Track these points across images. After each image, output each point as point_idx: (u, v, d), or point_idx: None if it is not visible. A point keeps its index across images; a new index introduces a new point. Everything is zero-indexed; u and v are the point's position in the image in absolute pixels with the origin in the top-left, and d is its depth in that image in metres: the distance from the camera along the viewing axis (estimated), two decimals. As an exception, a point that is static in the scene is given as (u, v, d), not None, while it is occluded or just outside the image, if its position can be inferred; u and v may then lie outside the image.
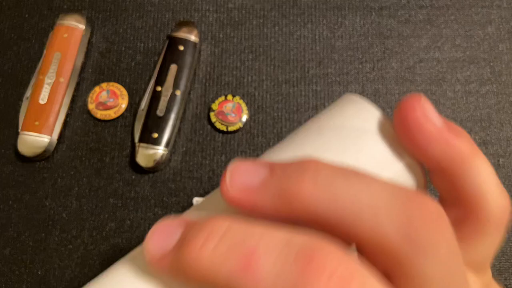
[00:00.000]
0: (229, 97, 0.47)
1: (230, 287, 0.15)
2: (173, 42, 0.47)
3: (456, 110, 0.47)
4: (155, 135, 0.45)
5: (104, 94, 0.48)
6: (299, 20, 0.50)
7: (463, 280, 0.17)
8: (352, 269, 0.15)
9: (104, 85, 0.48)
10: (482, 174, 0.19)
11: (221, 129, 0.46)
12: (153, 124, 0.45)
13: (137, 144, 0.45)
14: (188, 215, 0.20)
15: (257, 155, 0.46)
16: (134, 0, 0.51)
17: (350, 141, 0.19)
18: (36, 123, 0.45)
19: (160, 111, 0.45)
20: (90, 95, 0.48)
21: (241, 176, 0.17)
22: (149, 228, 0.44)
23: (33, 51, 0.50)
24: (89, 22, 0.50)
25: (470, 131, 0.46)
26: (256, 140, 0.47)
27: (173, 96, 0.46)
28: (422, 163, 0.21)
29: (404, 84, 0.48)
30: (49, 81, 0.46)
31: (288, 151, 0.20)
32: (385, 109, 0.47)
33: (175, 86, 0.46)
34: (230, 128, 0.46)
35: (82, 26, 0.48)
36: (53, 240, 0.45)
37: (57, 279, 0.44)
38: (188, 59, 0.47)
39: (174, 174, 0.46)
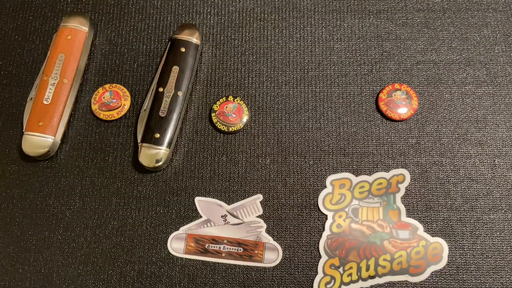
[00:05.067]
0: (230, 98, 0.48)
1: None
2: (175, 44, 0.48)
3: (452, 111, 0.48)
4: (157, 135, 0.46)
5: (107, 95, 0.48)
6: (298, 23, 0.51)
7: None
8: None
9: (107, 86, 0.49)
10: None
11: (222, 129, 0.47)
12: (155, 124, 0.46)
13: (139, 144, 0.46)
14: None
15: (257, 156, 0.47)
16: (137, 3, 0.52)
17: None
18: (40, 123, 0.46)
19: (162, 112, 0.46)
20: (93, 96, 0.48)
21: None
22: (151, 227, 0.45)
23: (37, 52, 0.50)
24: (92, 24, 0.51)
25: (466, 132, 0.47)
26: (256, 140, 0.48)
27: (175, 97, 0.47)
28: None
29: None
30: (53, 82, 0.47)
31: None
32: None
33: (177, 87, 0.47)
34: (231, 129, 0.47)
35: (85, 28, 0.49)
36: (56, 238, 0.45)
37: (60, 277, 0.45)
38: (189, 61, 0.48)
39: (175, 173, 0.47)
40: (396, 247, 0.44)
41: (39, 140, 0.46)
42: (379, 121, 0.48)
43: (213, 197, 0.46)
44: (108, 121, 0.48)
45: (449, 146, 0.47)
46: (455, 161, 0.47)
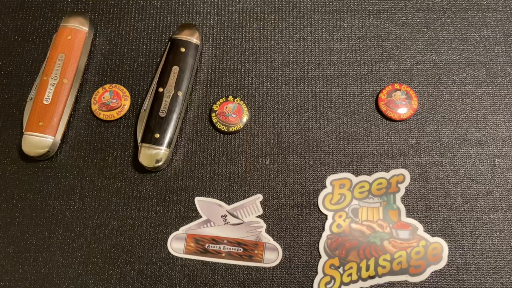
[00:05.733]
0: (230, 98, 0.48)
1: None
2: (175, 44, 0.48)
3: (452, 112, 0.48)
4: (157, 135, 0.46)
5: (107, 95, 0.48)
6: (298, 23, 0.51)
7: None
8: None
9: (107, 86, 0.49)
10: None
11: (222, 129, 0.47)
12: (155, 124, 0.46)
13: (139, 144, 0.46)
14: None
15: (257, 156, 0.47)
16: (137, 3, 0.52)
17: None
18: (40, 123, 0.46)
19: (162, 112, 0.46)
20: (93, 96, 0.48)
21: None
22: (150, 227, 0.45)
23: (37, 52, 0.50)
24: (92, 24, 0.51)
25: (466, 132, 0.47)
26: (256, 140, 0.48)
27: (174, 97, 0.47)
28: None
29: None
30: (53, 82, 0.47)
31: None
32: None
33: (177, 87, 0.47)
34: (231, 129, 0.47)
35: (85, 28, 0.49)
36: (56, 238, 0.45)
37: (60, 277, 0.45)
38: (189, 61, 0.48)
39: (175, 174, 0.47)
40: (396, 247, 0.44)
41: (39, 140, 0.46)
42: (379, 121, 0.48)
43: (213, 197, 0.46)
44: (108, 121, 0.48)
45: (449, 146, 0.47)
46: (455, 161, 0.47)
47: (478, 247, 0.45)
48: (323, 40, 0.50)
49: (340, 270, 0.44)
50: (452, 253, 0.44)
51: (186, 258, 0.45)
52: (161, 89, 0.47)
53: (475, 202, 0.46)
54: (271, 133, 0.48)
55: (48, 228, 0.46)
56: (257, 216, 0.46)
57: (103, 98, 0.48)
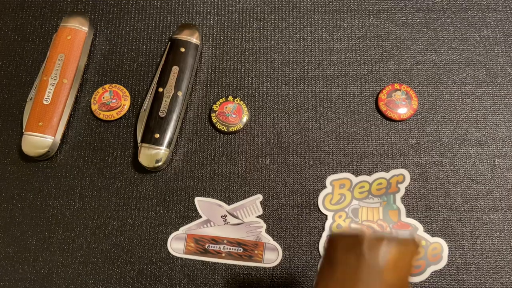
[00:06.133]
0: (230, 98, 0.48)
1: None
2: (175, 44, 0.48)
3: (452, 112, 0.48)
4: (157, 135, 0.46)
5: (107, 95, 0.48)
6: (298, 23, 0.51)
7: None
8: None
9: (107, 86, 0.49)
10: None
11: (222, 129, 0.47)
12: (155, 124, 0.46)
13: (139, 144, 0.46)
14: None
15: (257, 156, 0.47)
16: (136, 3, 0.52)
17: None
18: (40, 123, 0.46)
19: (162, 112, 0.46)
20: (93, 96, 0.48)
21: None
22: (150, 227, 0.45)
23: (37, 52, 0.50)
24: (92, 24, 0.51)
25: (466, 132, 0.47)
26: (256, 140, 0.48)
27: (174, 97, 0.47)
28: None
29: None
30: (53, 82, 0.47)
31: None
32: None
33: (177, 87, 0.47)
34: (231, 129, 0.47)
35: (85, 28, 0.49)
36: (56, 238, 0.45)
37: (60, 277, 0.45)
38: (189, 61, 0.48)
39: (175, 174, 0.47)
40: (396, 247, 0.44)
41: (39, 140, 0.46)
42: (379, 121, 0.48)
43: (213, 197, 0.46)
44: (108, 121, 0.48)
45: (449, 146, 0.47)
46: (455, 161, 0.47)
47: (478, 247, 0.44)
48: (323, 40, 0.50)
49: (340, 270, 0.44)
50: (452, 253, 0.44)
51: (186, 258, 0.45)
52: (161, 89, 0.47)
53: (475, 202, 0.46)
54: (271, 133, 0.48)
55: (48, 228, 0.46)
56: (257, 216, 0.46)
57: (103, 98, 0.48)
